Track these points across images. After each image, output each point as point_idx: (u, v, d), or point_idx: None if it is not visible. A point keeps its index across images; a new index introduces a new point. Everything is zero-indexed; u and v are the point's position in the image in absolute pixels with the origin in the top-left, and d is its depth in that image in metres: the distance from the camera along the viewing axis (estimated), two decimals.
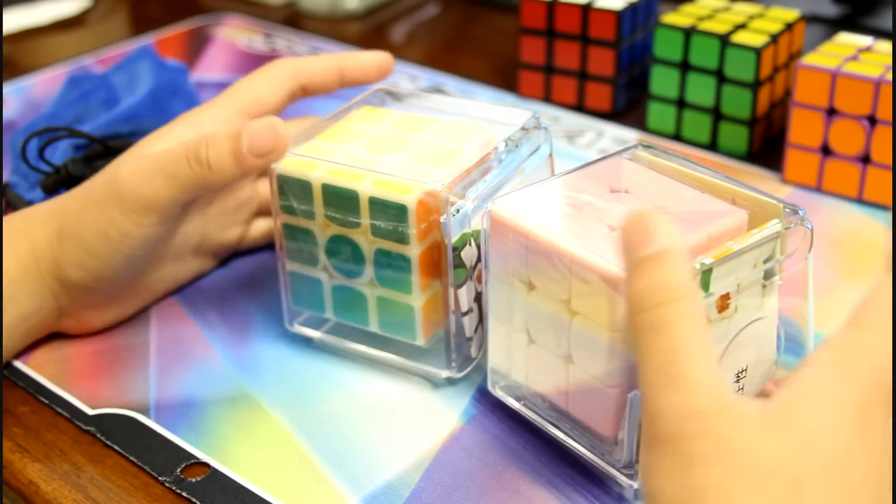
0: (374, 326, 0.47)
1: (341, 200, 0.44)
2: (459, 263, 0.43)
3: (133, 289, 0.50)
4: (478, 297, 0.45)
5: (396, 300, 0.45)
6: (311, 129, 0.47)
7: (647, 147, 0.44)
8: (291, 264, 0.47)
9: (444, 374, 0.46)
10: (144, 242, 0.46)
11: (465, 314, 0.44)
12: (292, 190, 0.45)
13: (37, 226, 0.47)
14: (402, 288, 0.45)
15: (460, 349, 0.45)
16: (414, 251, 0.43)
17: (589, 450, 0.40)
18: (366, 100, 0.50)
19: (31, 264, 0.46)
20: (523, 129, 0.47)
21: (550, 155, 0.48)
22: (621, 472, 0.39)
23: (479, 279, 0.45)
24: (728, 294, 0.37)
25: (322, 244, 0.46)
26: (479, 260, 0.44)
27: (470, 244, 0.44)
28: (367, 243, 0.44)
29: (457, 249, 0.43)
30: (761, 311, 0.39)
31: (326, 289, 0.47)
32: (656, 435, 0.30)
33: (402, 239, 0.43)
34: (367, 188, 0.43)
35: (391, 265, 0.44)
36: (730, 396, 0.30)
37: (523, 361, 0.42)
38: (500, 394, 0.44)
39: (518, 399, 0.43)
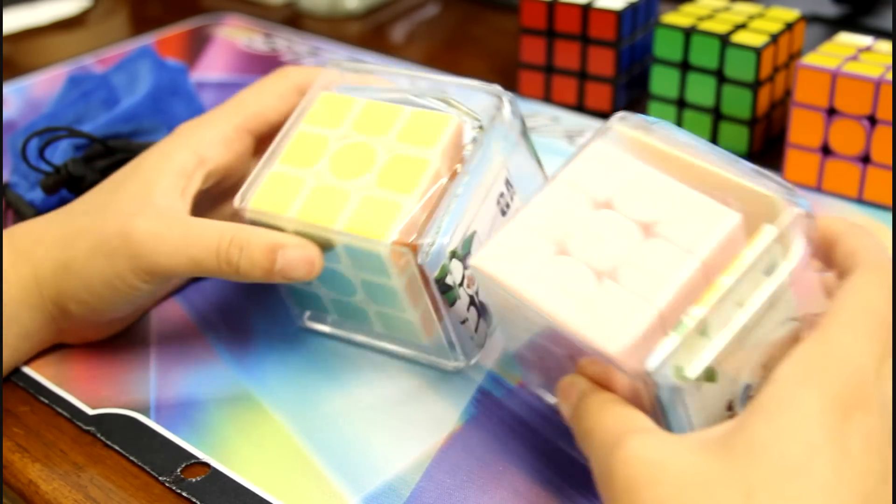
0: (378, 329, 0.47)
1: (318, 243, 0.43)
2: (446, 289, 0.43)
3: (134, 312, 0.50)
4: (471, 300, 0.45)
5: (394, 314, 0.45)
6: (272, 148, 0.46)
7: (623, 119, 0.41)
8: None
9: (452, 364, 0.46)
10: (150, 295, 0.47)
11: (463, 322, 0.44)
12: None
13: (41, 251, 0.46)
14: (395, 307, 0.45)
15: (465, 346, 0.45)
16: (398, 282, 0.43)
17: None
18: (324, 84, 0.48)
19: (33, 288, 0.46)
20: (495, 110, 0.44)
21: (524, 133, 0.46)
22: None
23: (469, 285, 0.44)
24: None
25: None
26: (465, 270, 0.44)
27: (451, 268, 0.43)
28: (353, 274, 0.44)
29: (440, 280, 0.43)
30: (783, 313, 0.37)
31: (326, 302, 0.47)
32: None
33: (384, 275, 0.43)
34: (340, 238, 0.43)
35: (379, 291, 0.44)
36: (645, 426, 0.33)
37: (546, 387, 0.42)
38: (537, 390, 0.44)
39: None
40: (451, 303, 0.43)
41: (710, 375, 0.35)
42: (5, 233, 0.47)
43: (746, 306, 0.35)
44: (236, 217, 0.45)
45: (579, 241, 0.38)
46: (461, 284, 0.44)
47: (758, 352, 0.37)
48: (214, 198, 0.51)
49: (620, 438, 0.32)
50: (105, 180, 0.49)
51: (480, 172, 0.44)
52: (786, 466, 0.29)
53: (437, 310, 0.44)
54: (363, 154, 0.44)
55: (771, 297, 0.36)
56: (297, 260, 0.43)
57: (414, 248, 0.41)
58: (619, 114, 0.41)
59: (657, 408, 0.35)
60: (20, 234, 0.47)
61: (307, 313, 0.49)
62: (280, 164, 0.45)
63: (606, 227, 0.38)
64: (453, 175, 0.43)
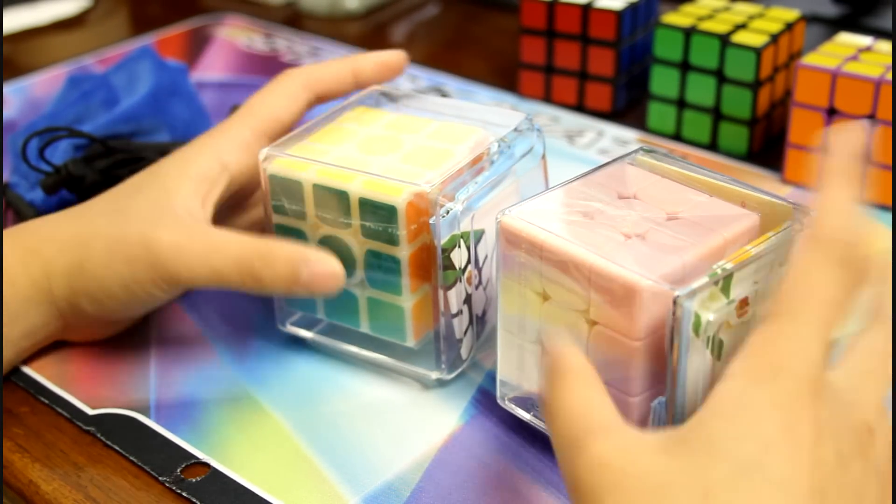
0: (364, 328, 0.47)
1: (332, 201, 0.44)
2: (449, 265, 0.43)
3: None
4: (468, 299, 0.45)
5: (387, 301, 0.45)
6: (304, 129, 0.47)
7: (649, 151, 0.44)
8: None
9: (434, 375, 0.46)
10: (166, 301, 0.47)
11: (454, 316, 0.44)
12: (284, 190, 0.45)
13: (54, 250, 0.46)
14: (392, 289, 0.45)
15: (450, 351, 0.45)
16: (404, 252, 0.43)
17: None
18: (360, 101, 0.50)
19: (44, 285, 0.46)
20: (516, 130, 0.47)
21: (543, 156, 0.48)
22: None
23: (468, 281, 0.45)
24: (747, 298, 0.37)
25: (313, 245, 0.46)
26: (469, 262, 0.44)
27: (459, 246, 0.43)
28: (358, 244, 0.44)
29: (446, 251, 0.43)
30: None
31: None
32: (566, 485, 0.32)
33: (392, 240, 0.43)
34: (357, 189, 0.43)
35: (381, 266, 0.44)
36: (607, 422, 0.32)
37: (537, 373, 0.42)
38: (509, 406, 0.43)
39: (528, 410, 0.43)
40: (450, 285, 0.43)
41: (718, 349, 0.36)
42: (13, 230, 0.47)
43: (759, 285, 0.37)
44: (257, 177, 0.47)
45: (606, 214, 0.40)
46: (463, 271, 0.44)
47: None
48: (233, 206, 0.51)
49: (583, 440, 0.32)
50: (121, 184, 0.48)
51: (499, 171, 0.45)
52: (741, 464, 0.29)
53: (435, 295, 0.44)
54: (391, 142, 0.46)
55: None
56: (324, 274, 0.42)
57: (428, 209, 0.42)
58: (642, 146, 0.44)
59: (668, 363, 0.36)
60: (30, 232, 0.47)
61: (292, 317, 0.49)
62: (308, 140, 0.47)
63: (632, 208, 0.41)
64: (477, 159, 0.45)
